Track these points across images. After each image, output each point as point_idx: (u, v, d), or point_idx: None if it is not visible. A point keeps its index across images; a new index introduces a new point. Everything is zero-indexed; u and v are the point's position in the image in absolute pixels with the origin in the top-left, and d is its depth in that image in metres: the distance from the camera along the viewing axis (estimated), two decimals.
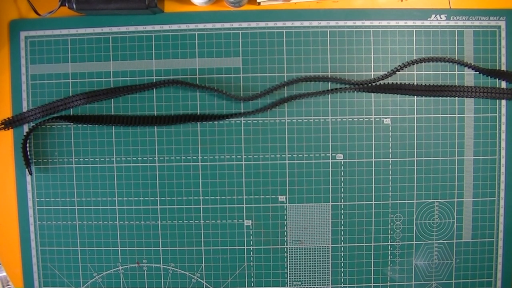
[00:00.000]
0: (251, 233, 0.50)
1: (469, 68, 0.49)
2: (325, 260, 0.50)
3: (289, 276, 0.50)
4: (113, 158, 0.50)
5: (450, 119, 0.49)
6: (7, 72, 0.50)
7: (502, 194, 0.49)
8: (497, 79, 0.49)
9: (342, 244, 0.50)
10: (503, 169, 0.49)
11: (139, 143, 0.49)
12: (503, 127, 0.49)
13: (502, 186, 0.49)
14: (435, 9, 0.48)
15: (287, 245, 0.50)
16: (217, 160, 0.49)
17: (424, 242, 0.50)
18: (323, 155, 0.49)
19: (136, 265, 0.50)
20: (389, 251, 0.50)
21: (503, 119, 0.49)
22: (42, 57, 0.49)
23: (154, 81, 0.49)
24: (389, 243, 0.50)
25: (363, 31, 0.48)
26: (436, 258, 0.50)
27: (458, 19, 0.48)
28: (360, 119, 0.49)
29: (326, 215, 0.50)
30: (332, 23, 0.48)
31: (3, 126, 0.49)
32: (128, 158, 0.49)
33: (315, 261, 0.50)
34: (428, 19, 0.48)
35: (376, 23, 0.48)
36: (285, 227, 0.50)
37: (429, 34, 0.49)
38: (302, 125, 0.49)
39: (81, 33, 0.49)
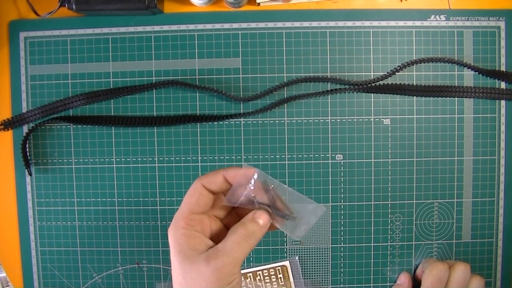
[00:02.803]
0: None
1: (468, 68, 0.49)
2: (324, 261, 0.50)
3: None
4: (113, 158, 0.50)
5: (449, 119, 0.49)
6: (7, 72, 0.50)
7: (501, 194, 0.49)
8: (497, 79, 0.49)
9: (342, 245, 0.50)
10: (502, 169, 0.49)
11: (139, 143, 0.49)
12: (503, 128, 0.49)
13: (502, 186, 0.49)
14: (435, 9, 0.48)
15: (287, 245, 0.50)
16: (216, 160, 0.49)
17: (423, 242, 0.50)
18: (323, 155, 0.49)
19: (136, 265, 0.50)
20: (388, 251, 0.50)
21: (503, 119, 0.49)
22: (42, 58, 0.49)
23: (153, 81, 0.49)
24: (389, 243, 0.50)
25: (363, 32, 0.49)
26: (436, 258, 0.50)
27: (458, 20, 0.48)
28: (359, 120, 0.49)
29: (325, 215, 0.50)
30: (332, 23, 0.48)
31: (2, 126, 0.49)
32: (128, 159, 0.49)
33: (314, 261, 0.50)
34: (428, 19, 0.48)
35: (375, 23, 0.48)
36: None
37: (429, 34, 0.49)
38: (302, 126, 0.49)
39: (81, 34, 0.49)
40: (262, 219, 0.32)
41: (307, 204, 0.34)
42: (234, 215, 0.36)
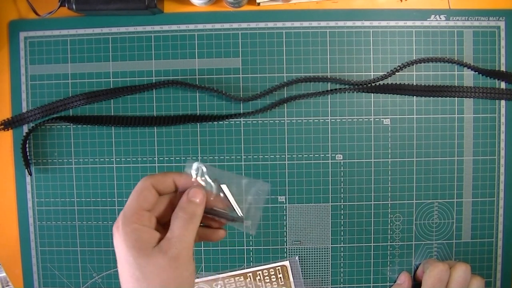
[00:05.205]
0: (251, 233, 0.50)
1: (468, 68, 0.49)
2: (324, 260, 0.50)
3: None
4: (113, 158, 0.49)
5: (449, 119, 0.49)
6: (7, 72, 0.50)
7: (501, 194, 0.49)
8: (497, 79, 0.49)
9: (342, 244, 0.50)
10: (502, 169, 0.49)
11: (139, 143, 0.49)
12: (503, 128, 0.49)
13: (502, 186, 0.49)
14: (435, 9, 0.48)
15: (286, 245, 0.50)
16: (216, 160, 0.49)
17: (423, 242, 0.50)
18: (323, 155, 0.49)
19: None
20: (388, 251, 0.50)
21: (503, 119, 0.49)
22: (42, 58, 0.49)
23: (153, 81, 0.49)
24: (389, 243, 0.50)
25: (363, 32, 0.49)
26: (436, 258, 0.50)
27: (458, 20, 0.48)
28: (359, 120, 0.49)
29: (325, 215, 0.50)
30: (332, 23, 0.48)
31: (2, 126, 0.49)
32: (128, 159, 0.49)
33: (314, 261, 0.50)
34: (428, 19, 0.48)
35: (375, 23, 0.48)
36: (285, 228, 0.50)
37: (429, 34, 0.49)
38: (302, 126, 0.49)
39: (81, 34, 0.49)
40: (197, 197, 0.33)
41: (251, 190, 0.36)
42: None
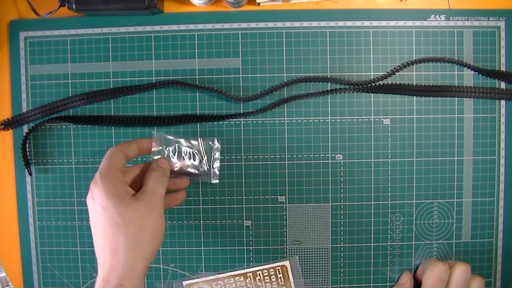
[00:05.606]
0: (250, 233, 0.50)
1: (468, 68, 0.49)
2: (324, 261, 0.50)
3: None
4: None
5: (449, 119, 0.49)
6: (7, 72, 0.50)
7: (501, 194, 0.49)
8: (497, 79, 0.49)
9: (342, 245, 0.50)
10: (502, 169, 0.49)
11: None
12: (503, 128, 0.49)
13: (502, 186, 0.49)
14: (435, 9, 0.48)
15: (286, 245, 0.50)
16: None
17: (423, 242, 0.50)
18: (323, 155, 0.49)
19: None
20: (388, 251, 0.50)
21: (503, 119, 0.49)
22: (42, 58, 0.49)
23: (153, 81, 0.49)
24: (389, 243, 0.50)
25: (363, 32, 0.49)
26: (436, 258, 0.50)
27: (458, 20, 0.48)
28: (359, 120, 0.49)
29: (325, 216, 0.50)
30: (332, 23, 0.48)
31: (2, 126, 0.49)
32: None
33: (314, 261, 0.50)
34: (428, 19, 0.48)
35: (375, 23, 0.48)
36: (285, 228, 0.50)
37: (429, 34, 0.49)
38: (302, 126, 0.49)
39: (81, 34, 0.49)
40: (164, 164, 0.42)
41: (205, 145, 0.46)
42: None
